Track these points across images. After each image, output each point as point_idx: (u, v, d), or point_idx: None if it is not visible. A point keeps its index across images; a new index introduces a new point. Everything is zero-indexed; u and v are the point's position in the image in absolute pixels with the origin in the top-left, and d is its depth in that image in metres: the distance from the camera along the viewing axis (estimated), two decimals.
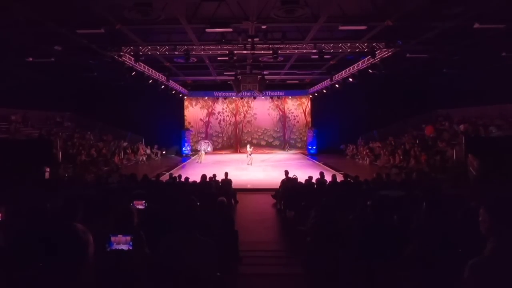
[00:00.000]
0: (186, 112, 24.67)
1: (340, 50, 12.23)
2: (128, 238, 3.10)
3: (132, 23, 9.33)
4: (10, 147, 11.32)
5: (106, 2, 8.07)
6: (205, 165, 17.94)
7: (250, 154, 18.62)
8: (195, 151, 23.82)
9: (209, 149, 22.67)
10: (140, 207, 4.88)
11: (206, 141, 23.09)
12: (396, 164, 16.38)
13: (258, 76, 15.29)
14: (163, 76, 17.47)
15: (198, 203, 3.90)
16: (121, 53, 12.26)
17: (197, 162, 19.84)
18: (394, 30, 9.99)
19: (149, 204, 5.04)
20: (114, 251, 3.08)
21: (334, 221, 4.40)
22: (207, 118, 24.84)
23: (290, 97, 24.74)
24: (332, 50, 12.16)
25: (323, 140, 23.18)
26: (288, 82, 22.14)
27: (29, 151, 10.85)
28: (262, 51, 12.01)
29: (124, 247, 3.09)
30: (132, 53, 12.24)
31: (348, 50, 12.14)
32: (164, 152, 22.44)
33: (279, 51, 11.79)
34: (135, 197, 5.12)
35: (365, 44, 11.63)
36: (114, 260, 3.06)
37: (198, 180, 9.63)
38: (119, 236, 3.11)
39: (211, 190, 8.57)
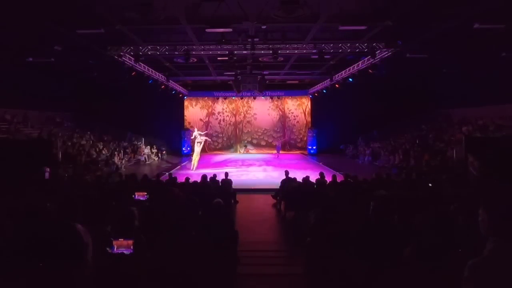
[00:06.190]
0: (186, 112, 24.64)
1: (340, 50, 12.22)
2: (130, 242, 3.10)
3: (132, 23, 9.33)
4: (10, 147, 11.32)
5: (106, 2, 8.07)
6: (205, 165, 17.92)
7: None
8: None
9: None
10: (141, 198, 4.86)
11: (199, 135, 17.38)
12: (396, 164, 16.38)
13: (258, 76, 15.26)
14: (163, 76, 17.46)
15: (198, 204, 3.89)
16: (121, 53, 12.26)
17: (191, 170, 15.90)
18: (394, 30, 10.00)
19: (149, 204, 5.04)
20: (116, 254, 3.09)
21: (334, 221, 4.39)
22: (207, 118, 24.81)
23: (290, 97, 24.71)
24: (332, 50, 12.16)
25: (323, 140, 23.17)
26: (288, 82, 22.12)
27: (29, 151, 10.84)
28: (262, 51, 12.00)
29: (126, 250, 3.09)
30: (132, 53, 12.23)
31: (348, 50, 12.13)
32: (164, 152, 22.42)
33: (279, 51, 11.78)
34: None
35: (365, 44, 11.63)
36: (116, 263, 3.06)
37: (198, 180, 9.61)
38: (120, 240, 3.11)
39: (211, 191, 8.56)
